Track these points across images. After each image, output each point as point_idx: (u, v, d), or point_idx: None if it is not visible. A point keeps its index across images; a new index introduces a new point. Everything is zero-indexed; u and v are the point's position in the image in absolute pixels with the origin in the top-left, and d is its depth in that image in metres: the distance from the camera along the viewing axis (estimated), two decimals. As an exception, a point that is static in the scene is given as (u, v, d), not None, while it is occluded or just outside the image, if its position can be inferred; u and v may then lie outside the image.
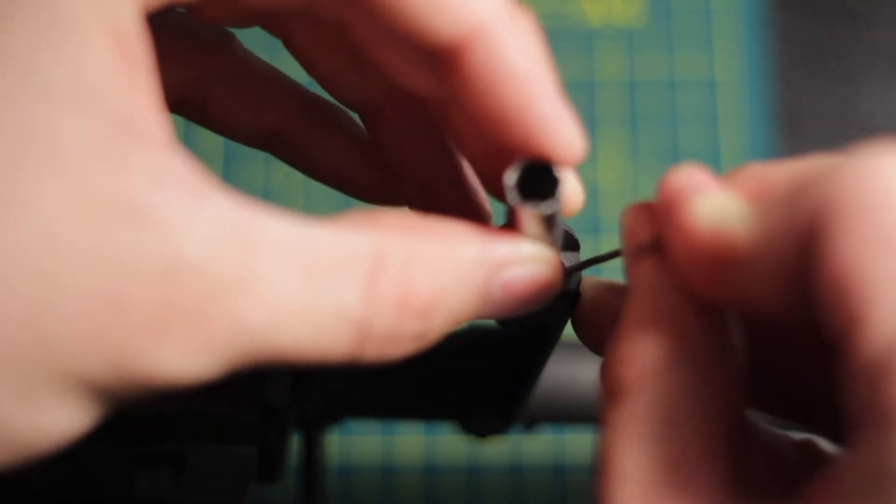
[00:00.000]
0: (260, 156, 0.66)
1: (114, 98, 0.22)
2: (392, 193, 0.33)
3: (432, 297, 0.24)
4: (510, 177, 0.26)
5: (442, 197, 0.32)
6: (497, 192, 0.29)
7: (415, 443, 0.57)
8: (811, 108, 0.62)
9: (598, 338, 0.28)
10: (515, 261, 0.26)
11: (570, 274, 0.29)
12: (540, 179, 0.26)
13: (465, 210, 0.32)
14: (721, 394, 0.22)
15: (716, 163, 0.61)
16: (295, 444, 0.43)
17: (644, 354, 0.23)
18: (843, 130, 0.62)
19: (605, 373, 0.23)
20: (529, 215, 0.26)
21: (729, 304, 0.23)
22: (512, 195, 0.26)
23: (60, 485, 0.35)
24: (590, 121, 0.65)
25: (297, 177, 0.65)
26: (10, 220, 0.22)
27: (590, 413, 0.43)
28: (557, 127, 0.26)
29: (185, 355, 0.22)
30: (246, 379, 0.35)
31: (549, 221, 0.26)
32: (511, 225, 0.28)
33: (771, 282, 0.21)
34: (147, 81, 0.23)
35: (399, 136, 0.31)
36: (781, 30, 0.63)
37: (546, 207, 0.26)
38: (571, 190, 0.28)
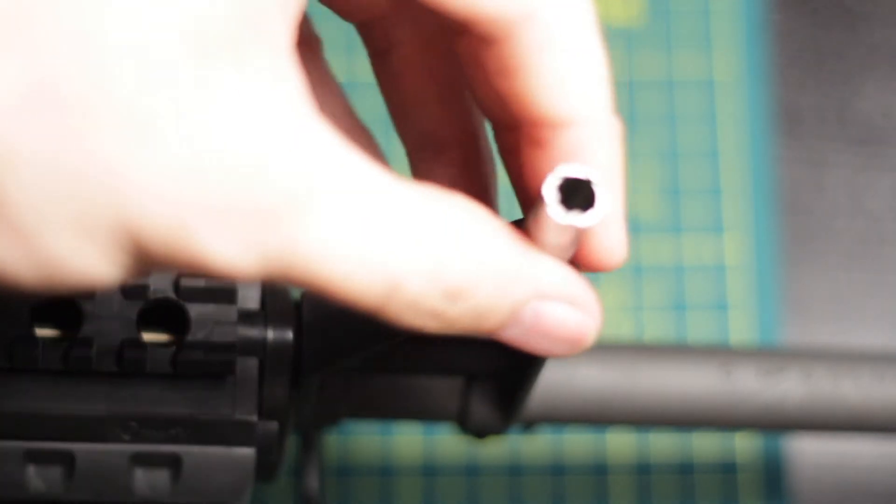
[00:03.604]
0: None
1: None
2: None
3: (462, 282, 0.25)
4: (550, 183, 0.26)
5: (444, 154, 0.33)
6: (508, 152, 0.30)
7: (413, 443, 0.57)
8: (810, 108, 0.62)
9: None
10: (559, 297, 0.27)
11: None
12: (575, 193, 0.26)
13: (468, 176, 0.33)
14: None
15: (714, 162, 0.61)
16: (293, 444, 0.43)
17: None
18: (843, 130, 0.62)
19: None
20: (560, 226, 0.26)
21: None
22: (552, 203, 0.25)
23: (57, 485, 0.35)
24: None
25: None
26: (112, 61, 0.22)
27: (590, 413, 0.43)
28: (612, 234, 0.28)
29: (234, 248, 0.23)
30: (244, 378, 0.35)
31: (576, 236, 0.26)
32: (526, 230, 0.28)
33: None
34: None
35: (415, 75, 0.33)
36: (781, 30, 0.63)
37: (587, 218, 0.26)
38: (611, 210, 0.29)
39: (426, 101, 0.32)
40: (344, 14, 0.32)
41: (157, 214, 0.23)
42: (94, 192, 0.23)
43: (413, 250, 0.25)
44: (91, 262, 0.23)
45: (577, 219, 0.25)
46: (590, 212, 0.25)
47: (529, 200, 0.30)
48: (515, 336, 0.27)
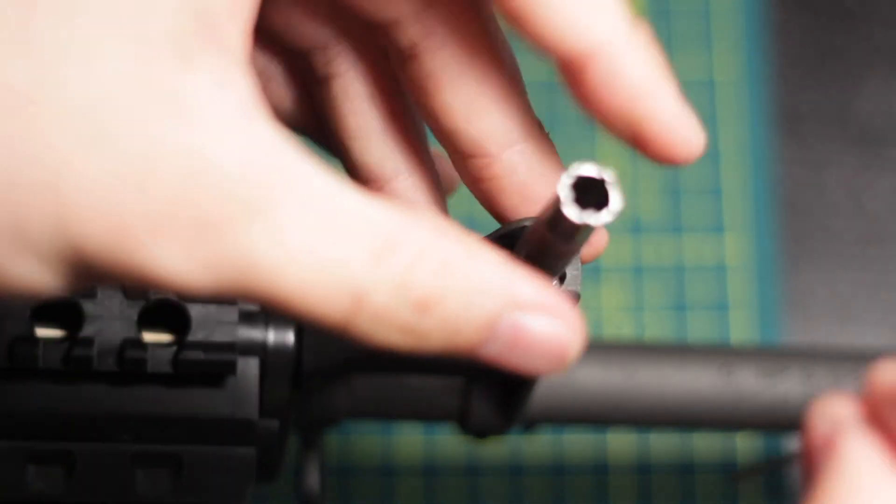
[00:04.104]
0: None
1: None
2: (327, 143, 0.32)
3: (431, 293, 0.24)
4: (563, 183, 0.25)
5: (390, 159, 0.32)
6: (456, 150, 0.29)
7: (414, 443, 0.57)
8: (810, 108, 0.62)
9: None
10: (538, 308, 0.25)
11: None
12: (589, 191, 0.26)
13: (418, 178, 0.32)
14: None
15: (715, 162, 0.61)
16: (293, 444, 0.43)
17: None
18: (843, 130, 0.62)
19: None
20: (575, 225, 0.26)
21: None
22: (567, 202, 0.25)
23: (57, 485, 0.35)
24: (588, 122, 0.65)
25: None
26: (55, 65, 0.22)
27: (589, 414, 0.43)
28: (679, 128, 0.27)
29: (181, 259, 0.22)
30: (244, 378, 0.35)
31: (588, 235, 0.26)
32: (527, 233, 0.28)
33: None
34: None
35: (356, 106, 0.32)
36: (780, 30, 0.63)
37: (602, 217, 0.26)
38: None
39: (367, 129, 0.32)
40: (286, 43, 0.31)
41: (96, 223, 0.22)
42: (33, 199, 0.22)
43: (377, 261, 0.24)
44: (29, 271, 0.22)
45: (592, 217, 0.25)
46: (604, 210, 0.25)
47: (510, 213, 0.30)
48: (495, 353, 0.25)
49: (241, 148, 0.23)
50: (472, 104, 0.29)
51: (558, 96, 0.64)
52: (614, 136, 0.28)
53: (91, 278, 0.23)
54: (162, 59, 0.22)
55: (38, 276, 0.23)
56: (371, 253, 0.24)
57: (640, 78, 0.27)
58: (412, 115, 0.32)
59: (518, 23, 0.26)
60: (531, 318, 0.25)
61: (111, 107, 0.22)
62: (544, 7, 0.26)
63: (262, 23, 0.30)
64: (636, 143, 0.27)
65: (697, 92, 0.62)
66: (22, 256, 0.22)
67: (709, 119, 0.61)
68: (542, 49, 0.26)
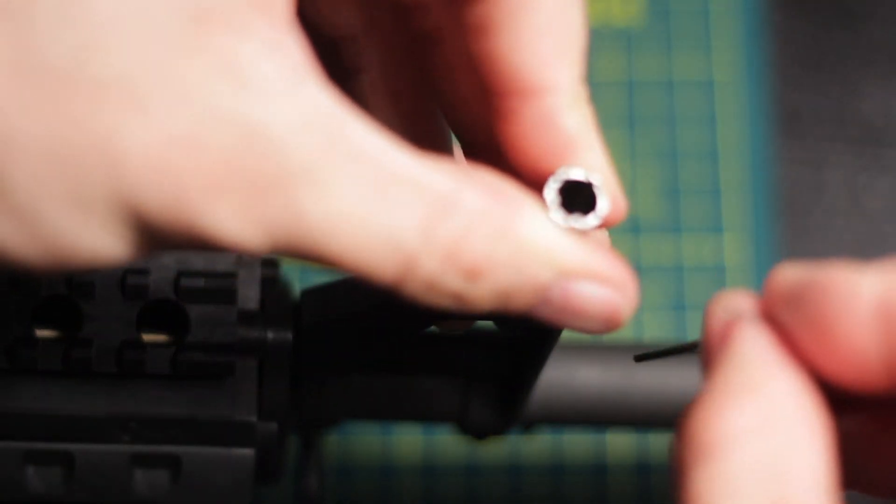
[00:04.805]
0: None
1: None
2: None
3: (481, 262, 0.24)
4: (551, 188, 0.26)
5: (410, 134, 0.32)
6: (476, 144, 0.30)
7: (413, 444, 0.57)
8: (810, 109, 0.62)
9: None
10: (588, 275, 0.26)
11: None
12: (576, 195, 0.26)
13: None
14: (823, 456, 0.22)
15: (714, 163, 0.61)
16: (293, 445, 0.43)
17: (738, 415, 0.22)
18: (843, 130, 0.62)
19: (689, 432, 0.23)
20: (562, 229, 0.26)
21: (881, 377, 0.22)
22: (553, 206, 0.26)
23: (56, 486, 0.35)
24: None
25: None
26: (102, 34, 0.22)
27: (589, 414, 0.43)
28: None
29: (237, 220, 0.23)
30: (243, 379, 0.35)
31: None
32: None
33: None
34: None
35: (382, 99, 0.32)
36: (780, 30, 0.63)
37: (588, 221, 0.26)
38: (615, 202, 0.28)
39: (393, 126, 0.32)
40: (317, 31, 0.31)
41: (154, 186, 0.22)
42: (90, 165, 0.22)
43: (428, 227, 0.24)
44: (94, 237, 0.23)
45: (578, 221, 0.25)
46: (591, 214, 0.25)
47: (536, 162, 0.30)
48: (548, 315, 0.26)
49: (294, 111, 0.23)
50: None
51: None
52: (528, 181, 0.28)
53: (155, 244, 0.23)
54: (212, 26, 0.23)
55: (103, 242, 0.23)
56: (421, 219, 0.24)
57: (575, 128, 0.27)
58: (436, 112, 0.32)
59: (482, 38, 0.27)
60: (581, 284, 0.26)
61: (161, 75, 0.22)
62: (514, 33, 0.27)
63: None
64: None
65: (697, 92, 0.62)
66: (86, 223, 0.23)
67: (708, 119, 0.61)
68: (492, 72, 0.27)
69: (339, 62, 0.32)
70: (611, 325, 0.26)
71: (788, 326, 0.23)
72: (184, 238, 0.23)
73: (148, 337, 0.35)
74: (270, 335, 0.35)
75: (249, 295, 0.36)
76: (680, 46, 0.63)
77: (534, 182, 0.27)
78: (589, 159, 0.27)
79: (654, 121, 0.62)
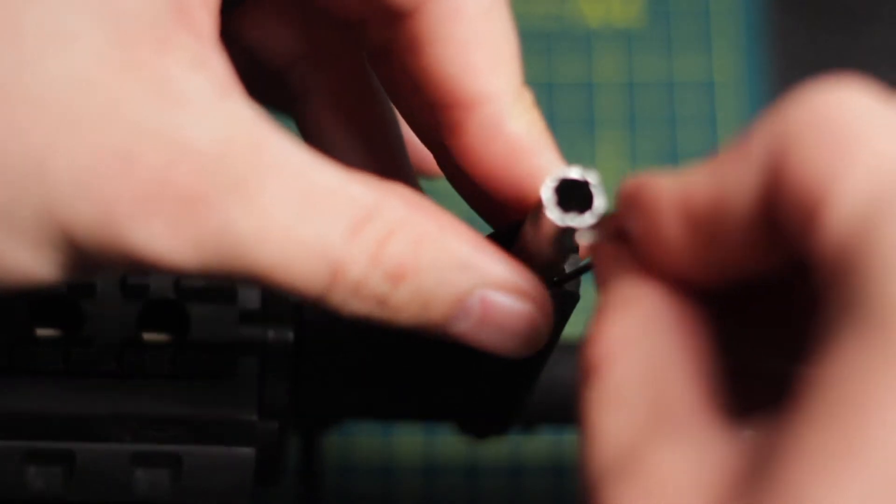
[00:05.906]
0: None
1: None
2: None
3: (404, 264, 0.25)
4: (547, 186, 0.26)
5: (371, 168, 0.32)
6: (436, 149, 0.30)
7: (414, 444, 0.57)
8: (810, 109, 0.62)
9: None
10: (507, 288, 0.26)
11: (568, 279, 0.29)
12: (571, 194, 0.26)
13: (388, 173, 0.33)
14: (697, 353, 0.22)
15: (715, 163, 0.61)
16: (294, 445, 0.43)
17: (612, 331, 0.23)
18: (843, 131, 0.62)
19: (581, 359, 0.23)
20: (558, 228, 0.26)
21: (705, 271, 0.23)
22: (550, 205, 0.26)
23: (57, 485, 0.35)
24: (588, 122, 0.65)
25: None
26: (35, 52, 0.22)
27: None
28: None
29: (167, 237, 0.23)
30: (244, 378, 0.35)
31: (572, 236, 0.27)
32: (522, 232, 0.28)
33: (745, 230, 0.21)
34: None
35: (331, 120, 0.32)
36: (780, 31, 0.63)
37: (585, 220, 0.26)
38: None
39: (346, 145, 0.32)
40: (262, 60, 0.31)
41: (83, 203, 0.22)
42: (19, 184, 0.22)
43: (353, 234, 0.24)
44: (23, 259, 0.23)
45: (575, 220, 0.25)
46: (587, 213, 0.25)
47: (488, 175, 0.30)
48: (466, 330, 0.26)
49: (220, 127, 0.23)
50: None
51: (558, 96, 0.64)
52: (486, 190, 0.28)
53: (85, 265, 0.23)
54: (140, 43, 0.23)
55: (33, 263, 0.23)
56: (347, 227, 0.24)
57: (522, 133, 0.28)
58: (390, 124, 0.32)
59: (417, 53, 0.28)
60: (501, 296, 0.26)
61: (91, 91, 0.22)
62: (448, 45, 0.27)
63: (237, 39, 0.31)
64: (507, 198, 0.28)
65: (697, 92, 0.62)
66: (15, 243, 0.23)
67: (708, 119, 0.61)
68: (431, 86, 0.28)
69: (286, 87, 0.32)
70: (528, 343, 0.27)
71: (635, 238, 0.24)
72: (114, 256, 0.23)
73: (149, 336, 0.35)
74: (271, 335, 0.35)
75: (250, 294, 0.36)
76: (680, 47, 0.63)
77: (492, 191, 0.28)
78: (542, 162, 0.28)
79: (655, 122, 0.62)
